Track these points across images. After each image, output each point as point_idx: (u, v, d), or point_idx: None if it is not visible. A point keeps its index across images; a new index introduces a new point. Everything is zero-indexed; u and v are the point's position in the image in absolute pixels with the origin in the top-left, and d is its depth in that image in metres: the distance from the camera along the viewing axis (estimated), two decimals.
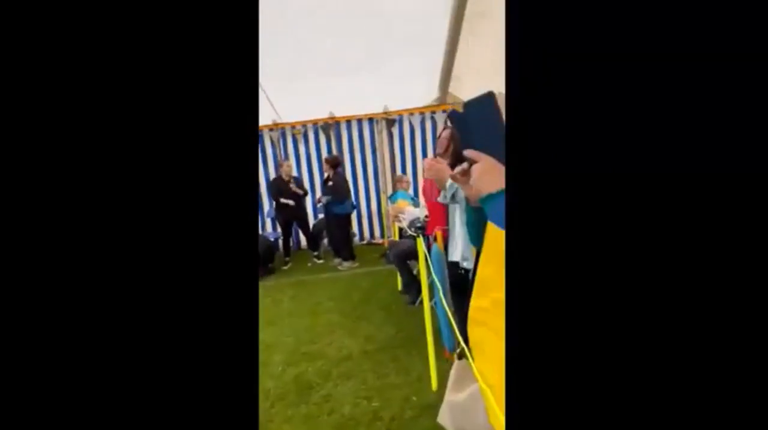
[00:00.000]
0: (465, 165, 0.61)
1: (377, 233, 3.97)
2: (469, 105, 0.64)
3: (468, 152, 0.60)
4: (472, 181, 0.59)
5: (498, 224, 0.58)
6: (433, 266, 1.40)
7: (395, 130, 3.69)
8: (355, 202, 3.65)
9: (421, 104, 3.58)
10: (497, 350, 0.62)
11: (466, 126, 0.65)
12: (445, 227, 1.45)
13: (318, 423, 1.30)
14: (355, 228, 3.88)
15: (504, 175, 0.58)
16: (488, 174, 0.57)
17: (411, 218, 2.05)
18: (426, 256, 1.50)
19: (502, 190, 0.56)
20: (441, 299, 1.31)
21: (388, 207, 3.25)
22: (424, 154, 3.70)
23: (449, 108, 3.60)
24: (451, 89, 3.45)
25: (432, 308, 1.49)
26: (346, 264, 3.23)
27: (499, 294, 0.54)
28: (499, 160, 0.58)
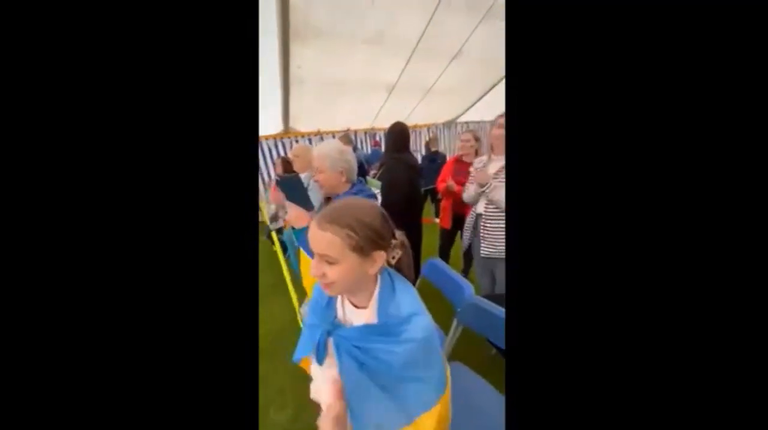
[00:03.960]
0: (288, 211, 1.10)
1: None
2: (285, 179, 1.13)
3: (287, 204, 1.08)
4: (287, 217, 1.09)
5: (305, 250, 1.11)
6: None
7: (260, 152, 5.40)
8: None
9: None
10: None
11: (285, 189, 1.13)
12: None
13: None
14: None
15: (303, 219, 1.05)
16: (297, 218, 1.04)
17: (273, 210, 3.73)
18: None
19: (303, 228, 1.03)
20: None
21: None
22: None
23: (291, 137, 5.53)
24: (291, 124, 5.27)
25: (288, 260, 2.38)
26: None
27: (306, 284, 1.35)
28: (304, 209, 1.07)
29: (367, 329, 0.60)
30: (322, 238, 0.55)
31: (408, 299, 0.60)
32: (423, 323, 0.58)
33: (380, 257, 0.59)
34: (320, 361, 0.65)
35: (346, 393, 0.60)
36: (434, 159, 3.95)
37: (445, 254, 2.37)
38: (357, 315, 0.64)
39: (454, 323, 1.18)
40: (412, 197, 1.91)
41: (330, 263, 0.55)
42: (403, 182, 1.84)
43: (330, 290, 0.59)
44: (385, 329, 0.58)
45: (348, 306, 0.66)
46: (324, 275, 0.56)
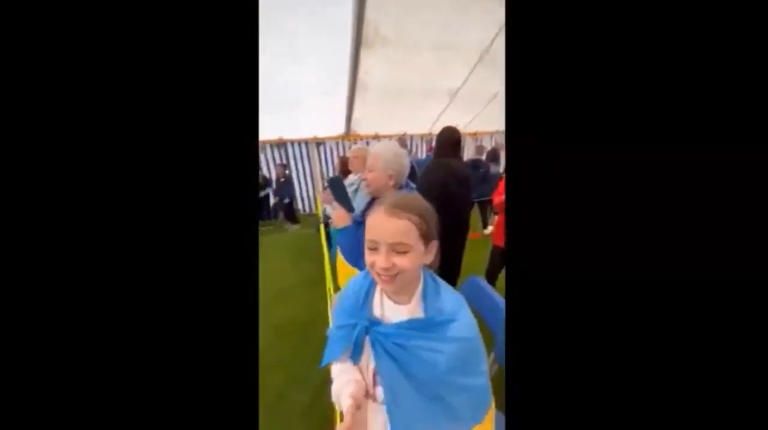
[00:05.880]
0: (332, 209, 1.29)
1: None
2: (331, 181, 1.31)
3: (334, 204, 1.25)
4: (333, 218, 1.24)
5: (341, 250, 1.15)
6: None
7: (321, 151, 5.74)
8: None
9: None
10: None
11: (332, 189, 1.34)
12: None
13: None
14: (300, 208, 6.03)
15: (344, 220, 1.16)
16: (337, 218, 1.16)
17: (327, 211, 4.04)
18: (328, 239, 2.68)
19: (343, 228, 1.12)
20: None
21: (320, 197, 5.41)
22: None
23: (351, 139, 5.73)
24: (353, 127, 5.49)
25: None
26: (293, 227, 5.41)
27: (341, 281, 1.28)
28: (346, 210, 1.18)
29: (410, 324, 0.55)
30: (395, 226, 0.53)
31: (453, 296, 0.58)
32: (470, 321, 0.55)
33: (434, 247, 0.57)
34: (356, 360, 0.61)
35: (384, 396, 0.55)
36: (477, 167, 3.51)
37: (492, 276, 2.05)
38: (397, 312, 0.59)
39: (491, 357, 1.02)
40: (447, 203, 1.69)
41: (399, 253, 0.53)
42: (436, 187, 1.64)
43: (395, 282, 0.54)
44: (431, 324, 0.54)
45: (387, 302, 0.61)
46: (394, 266, 0.53)
